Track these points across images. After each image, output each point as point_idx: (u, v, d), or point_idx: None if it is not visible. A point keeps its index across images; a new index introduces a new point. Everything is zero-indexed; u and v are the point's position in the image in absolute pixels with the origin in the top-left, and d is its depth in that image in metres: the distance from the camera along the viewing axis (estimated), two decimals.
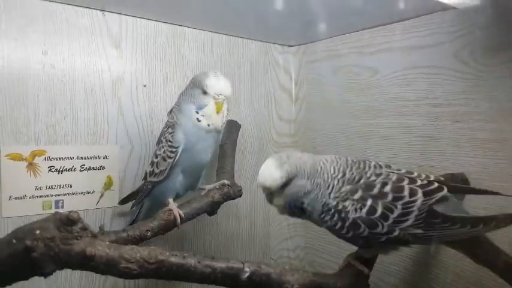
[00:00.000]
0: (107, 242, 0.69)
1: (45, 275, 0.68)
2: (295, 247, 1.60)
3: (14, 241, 0.67)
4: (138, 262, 0.68)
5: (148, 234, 0.93)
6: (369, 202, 0.78)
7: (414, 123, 1.18)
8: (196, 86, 1.01)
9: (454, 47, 1.09)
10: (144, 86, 1.24)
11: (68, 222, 0.67)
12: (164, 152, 1.02)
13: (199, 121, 1.00)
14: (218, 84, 0.99)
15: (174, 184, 1.05)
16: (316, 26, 1.33)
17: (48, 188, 1.08)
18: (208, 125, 1.00)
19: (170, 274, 0.71)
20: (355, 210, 0.78)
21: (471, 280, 1.05)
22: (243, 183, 1.28)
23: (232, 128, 1.33)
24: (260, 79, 1.52)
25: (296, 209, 0.83)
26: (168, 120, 1.07)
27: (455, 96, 1.09)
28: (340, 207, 0.79)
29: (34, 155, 1.06)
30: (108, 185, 1.17)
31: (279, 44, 1.56)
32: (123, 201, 1.17)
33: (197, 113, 1.00)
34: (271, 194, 0.84)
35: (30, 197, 1.06)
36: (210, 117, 1.00)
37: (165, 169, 1.02)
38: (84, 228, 0.67)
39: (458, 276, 1.08)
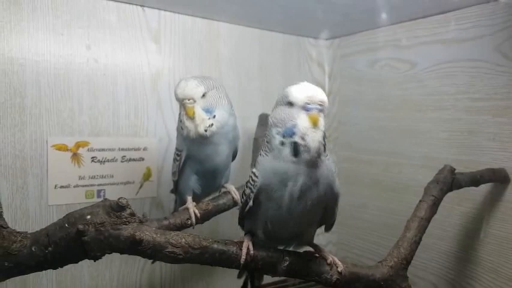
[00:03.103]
0: (154, 228, 0.71)
1: (95, 258, 0.71)
2: (327, 243, 1.59)
3: (67, 225, 0.70)
4: (183, 247, 0.70)
5: (189, 222, 0.95)
6: None
7: (453, 118, 1.16)
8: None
9: (496, 40, 1.07)
10: None
11: (117, 208, 0.69)
12: (174, 154, 1.03)
13: (182, 129, 0.95)
14: (181, 89, 0.93)
15: (188, 184, 1.02)
16: (352, 19, 1.32)
17: (91, 178, 1.12)
18: (189, 132, 0.94)
19: (213, 260, 0.73)
20: None
21: (510, 277, 1.03)
22: None
23: (265, 121, 1.34)
24: (293, 73, 1.53)
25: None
26: None
27: (497, 91, 1.07)
28: None
29: (78, 145, 1.10)
30: (147, 175, 1.20)
31: (312, 38, 1.56)
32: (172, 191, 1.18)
33: (180, 121, 0.96)
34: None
35: (74, 186, 1.10)
36: (185, 124, 0.94)
37: (176, 171, 1.03)
38: (133, 214, 0.70)
39: (496, 273, 1.06)
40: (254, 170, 0.74)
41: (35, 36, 1.05)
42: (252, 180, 0.73)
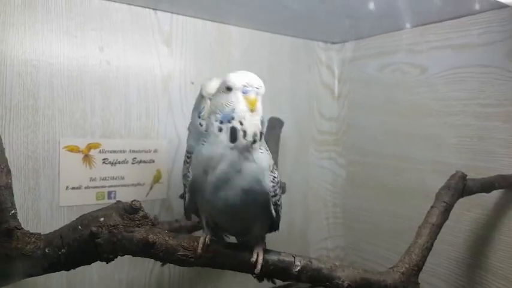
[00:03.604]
0: (166, 231, 0.72)
1: (108, 260, 0.72)
2: (335, 247, 1.59)
3: (80, 227, 0.71)
4: (195, 251, 0.71)
5: (200, 225, 0.95)
6: None
7: (463, 123, 1.16)
8: (199, 93, 1.00)
9: (507, 47, 1.07)
10: (192, 83, 1.27)
11: (130, 210, 0.70)
12: (185, 156, 1.04)
13: (201, 125, 0.95)
14: (210, 84, 0.95)
15: None
16: (362, 23, 1.32)
17: (102, 180, 1.13)
18: None
19: (224, 264, 0.74)
20: None
21: None
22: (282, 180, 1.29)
23: (276, 125, 1.35)
24: (302, 76, 1.53)
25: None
26: None
27: (507, 97, 1.07)
28: None
29: (90, 147, 1.11)
30: (157, 178, 1.21)
31: (322, 41, 1.56)
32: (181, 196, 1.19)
33: (199, 117, 0.97)
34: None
35: (85, 188, 1.11)
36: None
37: (186, 173, 1.02)
38: (145, 217, 0.71)
39: (506, 279, 1.06)
40: (190, 166, 0.73)
41: (49, 38, 1.06)
42: (187, 176, 0.74)
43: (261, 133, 0.69)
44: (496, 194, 1.07)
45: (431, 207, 0.90)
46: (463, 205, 1.11)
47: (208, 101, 0.96)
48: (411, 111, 1.30)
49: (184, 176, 1.04)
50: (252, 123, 0.68)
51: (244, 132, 0.67)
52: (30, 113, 1.04)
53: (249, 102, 0.68)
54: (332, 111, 1.59)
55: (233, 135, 0.67)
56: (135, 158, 1.17)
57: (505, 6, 1.05)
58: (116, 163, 1.14)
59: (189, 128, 1.06)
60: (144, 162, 1.19)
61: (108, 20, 1.13)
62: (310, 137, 1.56)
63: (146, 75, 1.19)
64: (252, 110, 0.68)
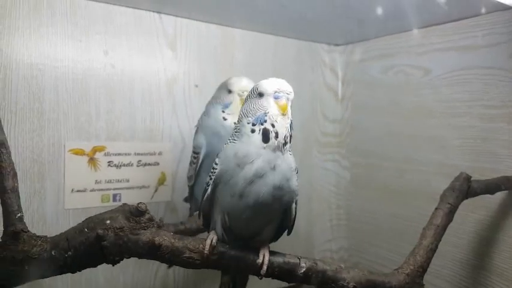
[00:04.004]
0: (171, 233, 0.72)
1: (114, 262, 0.72)
2: (339, 248, 1.59)
3: (86, 230, 0.71)
4: (200, 253, 0.71)
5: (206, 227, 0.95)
6: None
7: (467, 125, 1.16)
8: (222, 88, 1.03)
9: (511, 48, 1.07)
10: (196, 86, 1.27)
11: (136, 213, 0.70)
12: (191, 157, 1.04)
13: (225, 120, 0.99)
14: (242, 81, 1.00)
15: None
16: (366, 25, 1.33)
17: (107, 182, 1.13)
18: (235, 123, 0.96)
19: (230, 266, 0.74)
20: None
21: None
22: None
23: None
24: (306, 78, 1.53)
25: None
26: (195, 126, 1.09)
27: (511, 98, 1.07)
28: None
29: (95, 150, 1.11)
30: (161, 180, 1.21)
31: (325, 43, 1.56)
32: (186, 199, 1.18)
33: (223, 112, 0.99)
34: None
35: (90, 190, 1.11)
36: (236, 114, 0.95)
37: (192, 174, 1.03)
38: (151, 219, 0.71)
39: (510, 281, 1.05)
40: (216, 159, 0.76)
41: (54, 42, 1.07)
42: (213, 168, 0.75)
43: (290, 135, 0.74)
44: (500, 195, 1.07)
45: (436, 208, 0.91)
46: (468, 206, 1.11)
47: (237, 97, 0.99)
48: (415, 113, 1.30)
49: (190, 177, 1.05)
50: (283, 126, 0.72)
51: (276, 133, 0.72)
52: (35, 116, 1.04)
53: (280, 107, 0.73)
54: (336, 113, 1.60)
55: (266, 136, 0.72)
56: (140, 161, 1.18)
57: (508, 8, 1.06)
58: (120, 166, 1.15)
59: (197, 125, 1.06)
60: (149, 164, 1.19)
61: (113, 24, 1.14)
62: (314, 139, 1.56)
63: (151, 78, 1.20)
64: (283, 114, 0.73)
